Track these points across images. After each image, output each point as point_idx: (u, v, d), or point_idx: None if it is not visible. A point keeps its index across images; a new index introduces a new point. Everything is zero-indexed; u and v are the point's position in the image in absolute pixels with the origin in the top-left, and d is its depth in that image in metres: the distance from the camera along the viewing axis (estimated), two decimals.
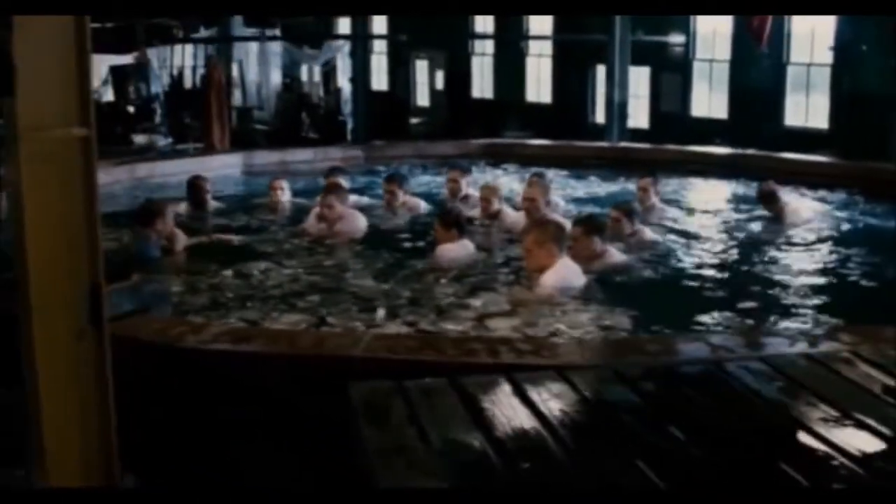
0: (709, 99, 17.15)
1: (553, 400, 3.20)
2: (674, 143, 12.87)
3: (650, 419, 3.12)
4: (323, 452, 4.01)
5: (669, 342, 4.52)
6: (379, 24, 24.68)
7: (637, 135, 16.43)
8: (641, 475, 2.63)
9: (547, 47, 20.50)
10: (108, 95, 23.08)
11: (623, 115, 13.94)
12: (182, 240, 7.27)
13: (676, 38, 17.18)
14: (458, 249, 6.89)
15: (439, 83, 23.48)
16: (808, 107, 15.62)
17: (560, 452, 2.81)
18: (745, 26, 11.86)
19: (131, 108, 21.66)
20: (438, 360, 4.07)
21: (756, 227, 8.49)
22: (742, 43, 15.73)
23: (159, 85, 22.38)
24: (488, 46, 22.32)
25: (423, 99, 24.10)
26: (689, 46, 17.17)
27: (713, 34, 16.88)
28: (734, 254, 7.64)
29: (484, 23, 22.00)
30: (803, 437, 2.92)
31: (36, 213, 3.09)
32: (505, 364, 3.89)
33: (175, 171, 9.94)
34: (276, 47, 25.36)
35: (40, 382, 3.07)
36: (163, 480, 4.15)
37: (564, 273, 6.05)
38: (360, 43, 19.40)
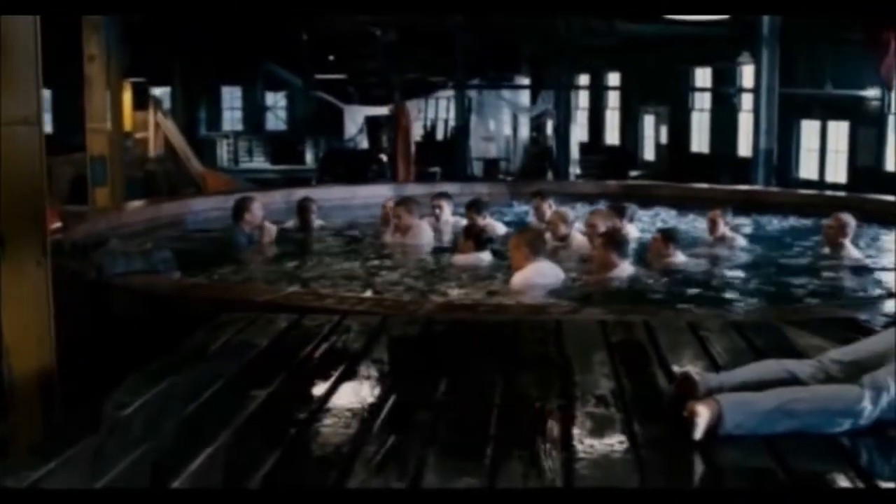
0: None
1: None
2: None
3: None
4: None
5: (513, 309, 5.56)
6: (613, 78, 25.86)
7: (834, 189, 16.54)
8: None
9: None
10: (364, 143, 25.76)
11: (769, 161, 14.26)
12: (271, 232, 8.76)
13: (873, 93, 17.09)
14: (469, 259, 7.89)
15: (664, 138, 24.25)
16: None
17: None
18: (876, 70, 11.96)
19: (384, 157, 23.75)
20: (304, 304, 5.29)
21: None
22: None
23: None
24: (706, 101, 22.86)
25: (649, 153, 24.91)
26: (884, 100, 17.02)
27: None
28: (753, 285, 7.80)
29: (703, 76, 22.60)
30: None
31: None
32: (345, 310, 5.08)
33: (327, 196, 11.64)
34: (523, 103, 27.21)
35: (10, 294, 4.68)
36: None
37: (531, 274, 6.97)
38: (564, 95, 20.66)
